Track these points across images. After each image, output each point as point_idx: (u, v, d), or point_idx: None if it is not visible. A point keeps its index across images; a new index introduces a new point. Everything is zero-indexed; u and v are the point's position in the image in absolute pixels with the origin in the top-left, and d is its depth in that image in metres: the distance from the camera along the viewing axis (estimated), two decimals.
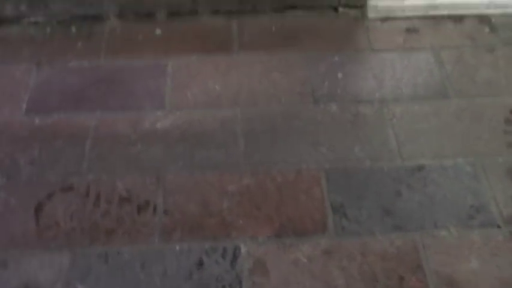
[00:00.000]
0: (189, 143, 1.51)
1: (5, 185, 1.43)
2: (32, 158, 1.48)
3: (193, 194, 1.39)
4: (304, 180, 1.42)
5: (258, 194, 1.39)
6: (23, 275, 1.26)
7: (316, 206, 1.37)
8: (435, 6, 1.82)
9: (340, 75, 1.66)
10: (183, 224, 1.34)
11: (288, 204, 1.37)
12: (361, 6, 1.84)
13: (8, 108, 1.61)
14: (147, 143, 1.51)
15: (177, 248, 1.30)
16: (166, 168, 1.45)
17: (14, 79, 1.69)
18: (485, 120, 1.53)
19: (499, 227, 1.33)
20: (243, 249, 1.30)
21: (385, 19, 1.81)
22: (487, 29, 1.78)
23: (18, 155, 1.49)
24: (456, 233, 1.32)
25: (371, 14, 1.82)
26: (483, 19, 1.81)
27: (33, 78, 1.69)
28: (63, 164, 1.47)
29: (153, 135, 1.53)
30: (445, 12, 1.82)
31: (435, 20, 1.81)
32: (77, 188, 1.42)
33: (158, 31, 1.82)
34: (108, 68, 1.71)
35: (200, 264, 1.28)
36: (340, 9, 1.84)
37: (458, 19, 1.81)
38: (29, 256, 1.29)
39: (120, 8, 1.85)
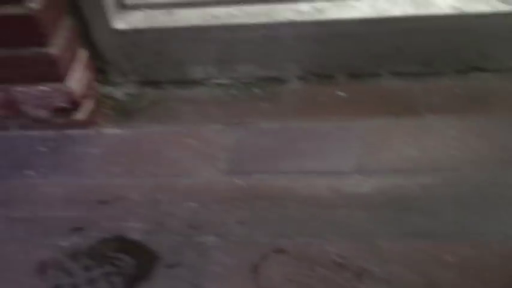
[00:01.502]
0: (393, 209, 1.50)
1: (219, 244, 1.48)
2: (240, 218, 1.53)
3: (411, 263, 1.38)
4: None
5: (480, 268, 1.35)
6: None
7: None
8: None
9: None
10: None
11: None
12: None
13: (206, 168, 1.69)
14: (350, 207, 1.52)
15: None
16: (376, 235, 1.45)
17: (207, 140, 1.78)
18: None
19: None
20: None
21: None
22: None
23: (226, 215, 1.55)
24: None
25: None
26: None
27: (226, 139, 1.77)
28: (269, 225, 1.51)
29: (355, 199, 1.54)
30: None
31: None
32: (288, 250, 1.45)
33: (340, 93, 1.86)
34: (298, 130, 1.76)
35: None
36: None
37: None
38: None
39: (303, 70, 1.91)
